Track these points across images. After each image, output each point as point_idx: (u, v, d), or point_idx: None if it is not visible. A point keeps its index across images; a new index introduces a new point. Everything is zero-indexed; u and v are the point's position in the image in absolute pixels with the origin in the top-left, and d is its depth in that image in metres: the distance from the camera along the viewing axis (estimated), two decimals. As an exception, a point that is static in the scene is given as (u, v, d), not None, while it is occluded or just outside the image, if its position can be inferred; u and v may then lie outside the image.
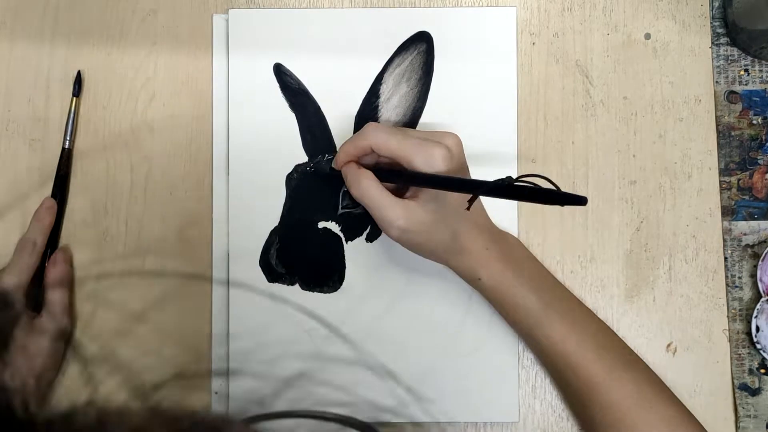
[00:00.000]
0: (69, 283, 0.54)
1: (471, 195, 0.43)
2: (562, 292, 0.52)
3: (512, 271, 0.50)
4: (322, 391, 0.54)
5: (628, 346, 0.52)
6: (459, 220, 0.49)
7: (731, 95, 0.56)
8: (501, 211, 0.54)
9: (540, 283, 0.51)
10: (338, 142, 0.55)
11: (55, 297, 0.52)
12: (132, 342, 0.55)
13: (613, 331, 0.53)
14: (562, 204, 0.38)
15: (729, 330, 0.55)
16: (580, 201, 0.38)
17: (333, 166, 0.51)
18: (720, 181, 0.56)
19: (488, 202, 0.54)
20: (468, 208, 0.44)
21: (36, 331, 0.52)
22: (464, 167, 0.49)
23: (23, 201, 0.56)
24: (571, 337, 0.49)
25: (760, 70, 0.57)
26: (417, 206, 0.47)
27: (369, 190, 0.47)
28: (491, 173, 0.55)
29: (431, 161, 0.46)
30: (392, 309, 0.54)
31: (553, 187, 0.39)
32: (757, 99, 0.56)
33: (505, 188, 0.41)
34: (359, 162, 0.49)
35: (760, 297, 0.54)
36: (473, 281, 0.51)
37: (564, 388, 0.53)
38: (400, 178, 0.49)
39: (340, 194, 0.55)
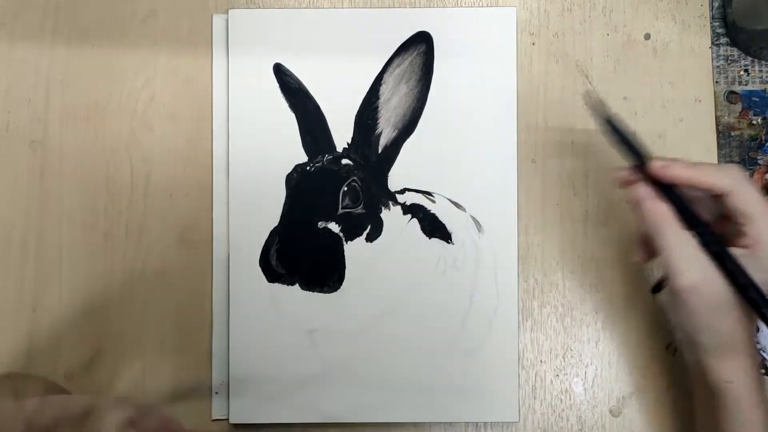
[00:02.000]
0: None
1: None
2: None
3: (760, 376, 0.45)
4: (323, 391, 0.54)
5: None
6: (747, 315, 0.43)
7: (731, 95, 0.56)
8: (498, 213, 0.54)
9: None
10: (338, 142, 0.55)
11: None
12: (132, 341, 0.55)
13: None
14: None
15: (729, 330, 0.55)
16: None
17: (658, 170, 0.44)
18: (720, 181, 0.56)
19: (483, 195, 0.54)
20: None
21: None
22: None
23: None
24: None
25: (760, 70, 0.57)
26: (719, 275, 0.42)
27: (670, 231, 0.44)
28: (491, 173, 0.55)
29: None
30: (392, 309, 0.54)
31: None
32: (757, 99, 0.56)
33: None
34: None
35: (760, 297, 0.54)
36: (717, 383, 0.44)
37: None
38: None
39: (340, 194, 0.55)
